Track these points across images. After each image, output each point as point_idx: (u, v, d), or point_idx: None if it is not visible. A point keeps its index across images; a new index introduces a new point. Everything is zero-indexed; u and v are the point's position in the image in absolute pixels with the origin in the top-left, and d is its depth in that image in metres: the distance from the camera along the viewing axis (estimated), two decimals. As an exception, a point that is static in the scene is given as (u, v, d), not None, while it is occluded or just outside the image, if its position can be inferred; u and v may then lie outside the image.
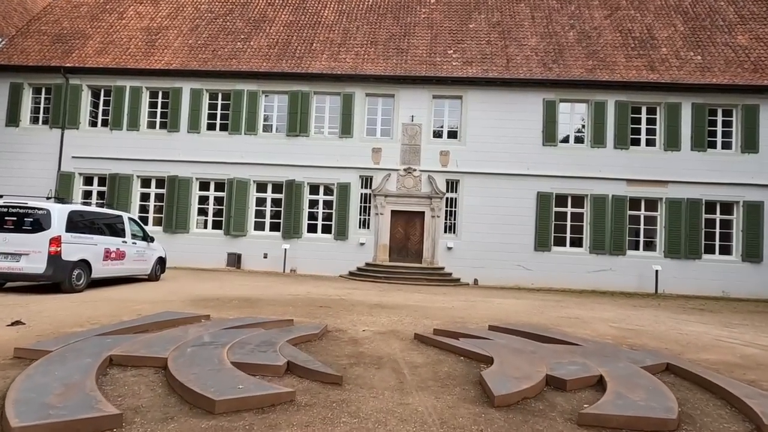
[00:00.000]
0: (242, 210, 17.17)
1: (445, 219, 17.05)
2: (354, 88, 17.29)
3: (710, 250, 16.30)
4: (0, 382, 3.65)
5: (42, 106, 18.08)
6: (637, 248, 16.57)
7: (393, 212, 17.01)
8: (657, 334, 7.32)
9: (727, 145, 16.55)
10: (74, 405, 3.01)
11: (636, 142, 16.79)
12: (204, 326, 5.68)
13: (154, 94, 17.91)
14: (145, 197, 17.76)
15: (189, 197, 17.31)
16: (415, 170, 17.00)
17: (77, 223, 9.48)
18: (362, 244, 16.84)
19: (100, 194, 17.76)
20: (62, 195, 16.95)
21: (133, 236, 11.36)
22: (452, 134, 17.31)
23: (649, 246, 16.61)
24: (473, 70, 17.04)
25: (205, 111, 17.66)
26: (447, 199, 17.02)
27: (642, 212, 16.64)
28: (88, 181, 17.90)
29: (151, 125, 17.87)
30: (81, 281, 9.41)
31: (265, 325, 6.00)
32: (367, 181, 17.24)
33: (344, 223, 16.95)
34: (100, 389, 3.39)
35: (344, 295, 10.78)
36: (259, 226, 17.39)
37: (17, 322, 5.91)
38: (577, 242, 16.72)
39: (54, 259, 8.74)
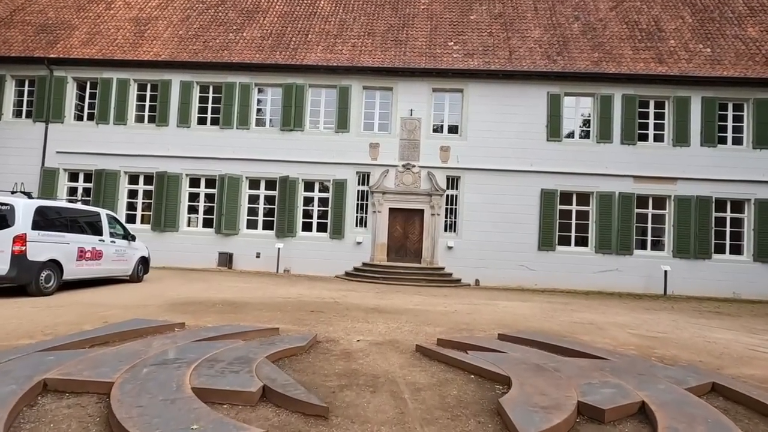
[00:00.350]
0: (234, 207, 16.45)
1: (445, 217, 16.34)
2: (351, 80, 16.57)
3: (720, 249, 15.68)
4: None
5: (25, 99, 17.36)
6: (644, 248, 15.96)
7: (391, 210, 16.30)
8: (683, 343, 6.62)
9: (738, 141, 15.93)
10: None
11: (644, 138, 16.12)
12: (173, 337, 4.91)
13: (142, 87, 17.18)
14: (132, 194, 17.02)
15: (178, 194, 16.57)
16: (414, 166, 16.28)
17: (46, 220, 8.68)
18: (359, 243, 16.13)
19: (86, 191, 17.00)
20: (47, 192, 16.29)
21: (113, 234, 10.59)
22: (453, 129, 16.60)
23: (657, 245, 15.99)
24: (474, 63, 16.33)
25: (195, 104, 16.93)
26: (447, 196, 16.31)
27: (650, 210, 15.99)
28: (73, 177, 17.16)
29: (139, 119, 17.12)
30: (50, 283, 8.61)
31: (245, 335, 5.28)
32: (364, 178, 16.51)
33: (340, 221, 16.24)
34: (12, 429, 2.63)
35: (339, 297, 10.06)
36: (251, 225, 16.67)
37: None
38: (582, 241, 16.05)
39: (18, 259, 7.96)
